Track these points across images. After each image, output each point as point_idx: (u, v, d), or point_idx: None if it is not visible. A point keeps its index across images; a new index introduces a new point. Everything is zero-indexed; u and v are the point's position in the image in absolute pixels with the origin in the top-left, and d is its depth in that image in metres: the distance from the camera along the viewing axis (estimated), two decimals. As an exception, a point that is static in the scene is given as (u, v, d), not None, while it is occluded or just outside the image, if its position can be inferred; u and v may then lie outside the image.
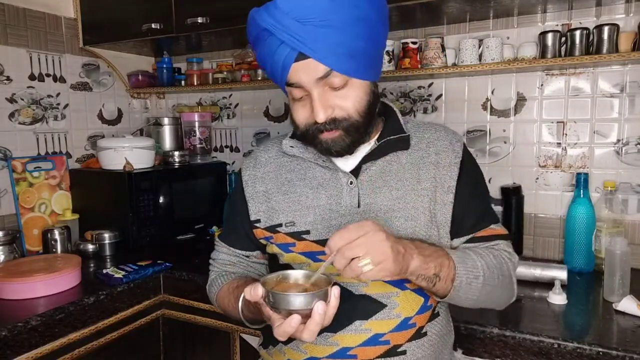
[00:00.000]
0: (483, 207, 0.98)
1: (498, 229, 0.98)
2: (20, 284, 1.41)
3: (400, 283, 0.89)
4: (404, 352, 0.88)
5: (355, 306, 0.88)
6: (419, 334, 0.90)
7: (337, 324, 0.84)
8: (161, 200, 1.94)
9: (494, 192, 1.79)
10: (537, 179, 1.74)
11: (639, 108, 1.58)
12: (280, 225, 0.96)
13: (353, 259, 0.72)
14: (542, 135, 1.72)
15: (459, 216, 0.93)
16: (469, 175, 0.95)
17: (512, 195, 1.70)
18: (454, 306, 0.98)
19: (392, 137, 0.94)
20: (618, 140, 1.61)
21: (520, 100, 1.74)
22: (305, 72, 0.82)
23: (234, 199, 1.06)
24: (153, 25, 1.87)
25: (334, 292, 0.75)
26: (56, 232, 1.81)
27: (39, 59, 1.94)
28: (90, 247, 1.84)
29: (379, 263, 0.72)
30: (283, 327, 0.74)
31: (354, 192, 0.92)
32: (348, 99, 0.86)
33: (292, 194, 0.96)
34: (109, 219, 1.89)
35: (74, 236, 1.90)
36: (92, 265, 1.74)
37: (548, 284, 1.40)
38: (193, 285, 1.62)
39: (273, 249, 0.98)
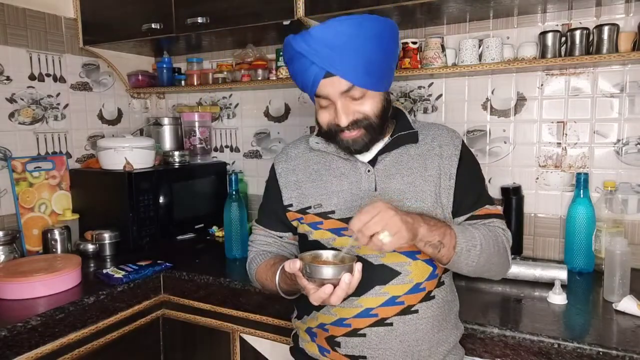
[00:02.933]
0: (478, 191, 1.15)
1: (493, 208, 1.14)
2: (20, 284, 1.41)
3: (411, 254, 1.05)
4: (416, 311, 1.05)
5: (375, 274, 1.04)
6: (428, 297, 1.06)
7: (361, 289, 1.00)
8: (161, 200, 1.94)
9: (494, 192, 1.79)
10: (537, 179, 1.74)
11: (639, 108, 1.58)
12: (309, 207, 1.13)
13: (373, 235, 0.88)
14: (542, 135, 1.72)
15: (459, 198, 1.10)
16: (467, 164, 1.13)
17: (512, 195, 1.70)
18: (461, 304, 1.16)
19: (403, 133, 1.12)
20: (618, 140, 1.61)
21: (520, 100, 1.74)
22: (332, 87, 1.01)
23: (269, 188, 1.24)
24: (153, 25, 1.88)
25: (358, 267, 0.92)
26: (56, 232, 1.81)
27: (39, 59, 1.94)
28: (90, 247, 1.84)
29: (395, 233, 0.88)
30: (318, 294, 0.91)
31: (371, 178, 1.10)
32: (366, 105, 1.04)
33: (319, 181, 1.14)
34: (109, 219, 1.89)
35: (74, 236, 1.90)
36: (92, 265, 1.74)
37: (548, 284, 1.40)
38: (193, 285, 1.62)
39: (304, 227, 1.14)
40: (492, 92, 1.78)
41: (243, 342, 1.57)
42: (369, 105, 1.04)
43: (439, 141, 1.13)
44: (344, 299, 0.94)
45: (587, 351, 1.08)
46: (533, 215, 1.75)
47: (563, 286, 1.36)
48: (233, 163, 2.35)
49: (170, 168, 2.04)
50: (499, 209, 1.16)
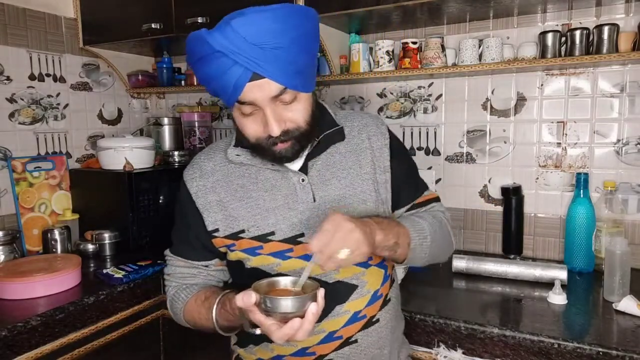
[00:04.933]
0: (415, 179, 1.11)
1: (430, 193, 1.13)
2: (20, 284, 1.41)
3: (364, 263, 0.98)
4: (377, 321, 1.01)
5: (332, 293, 0.94)
6: (386, 301, 1.03)
7: (321, 313, 0.90)
8: (161, 200, 1.94)
9: (494, 192, 1.79)
10: (537, 179, 1.74)
11: (639, 108, 1.58)
12: (242, 231, 0.99)
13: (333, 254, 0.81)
14: (542, 135, 1.72)
15: (397, 190, 1.06)
16: (398, 153, 1.07)
17: (512, 195, 1.70)
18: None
19: (328, 132, 1.02)
20: (618, 140, 1.61)
21: (520, 100, 1.74)
22: (260, 91, 0.86)
23: (184, 212, 1.06)
24: (153, 25, 1.88)
25: (320, 293, 0.81)
26: (56, 232, 1.81)
27: (39, 59, 1.94)
28: (90, 247, 1.84)
29: (355, 250, 0.81)
30: (284, 331, 0.78)
31: (307, 188, 0.99)
32: (297, 111, 0.92)
33: (248, 199, 1.00)
34: (109, 219, 1.89)
35: (74, 236, 1.90)
36: (92, 265, 1.74)
37: (548, 284, 1.40)
38: (193, 285, 1.62)
39: (237, 255, 1.00)
40: (492, 92, 1.78)
41: (243, 342, 1.56)
42: (300, 110, 0.92)
43: (366, 132, 1.05)
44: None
45: (587, 351, 1.08)
46: (533, 215, 1.75)
47: (563, 286, 1.36)
48: (233, 163, 2.34)
49: (170, 168, 2.04)
50: (434, 193, 1.15)
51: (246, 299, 0.78)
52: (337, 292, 0.97)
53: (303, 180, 0.99)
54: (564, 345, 1.10)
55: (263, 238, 0.97)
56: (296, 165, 1.00)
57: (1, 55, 1.81)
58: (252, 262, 0.98)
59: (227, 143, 1.06)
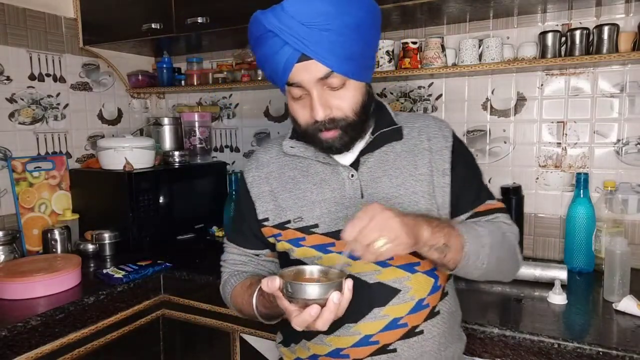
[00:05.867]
0: (477, 186, 1.04)
1: (494, 203, 1.04)
2: (20, 284, 1.41)
3: (410, 267, 0.94)
4: (421, 332, 0.93)
5: (371, 294, 0.92)
6: (433, 313, 0.95)
7: (357, 313, 0.91)
8: (161, 200, 1.94)
9: (494, 192, 1.78)
10: (537, 179, 1.74)
11: (639, 108, 1.58)
12: (288, 221, 1.00)
13: (370, 243, 0.76)
14: (542, 135, 1.72)
15: (456, 196, 0.99)
16: (461, 157, 1.01)
17: (512, 195, 1.70)
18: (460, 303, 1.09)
19: (385, 130, 0.99)
20: (618, 140, 1.61)
21: (520, 100, 1.74)
22: (307, 72, 0.87)
23: (240, 201, 1.10)
24: (153, 25, 1.87)
25: (348, 284, 0.78)
26: (56, 232, 1.81)
27: (39, 59, 1.94)
28: (90, 247, 1.84)
29: (394, 239, 0.76)
30: (302, 317, 0.77)
31: (355, 184, 0.97)
32: (345, 99, 0.90)
33: (297, 190, 1.00)
34: (109, 219, 1.89)
35: (74, 236, 1.90)
36: (92, 265, 1.74)
37: (548, 284, 1.40)
38: (193, 285, 1.62)
39: (283, 245, 1.01)
40: (492, 92, 1.78)
41: (243, 342, 1.56)
42: (348, 98, 0.90)
43: (427, 134, 1.01)
44: (335, 324, 0.82)
45: (587, 351, 1.08)
46: (533, 215, 1.75)
47: (563, 286, 1.36)
48: (233, 163, 2.35)
49: (170, 168, 2.04)
50: (500, 203, 1.05)
51: (271, 283, 0.79)
52: (377, 294, 0.93)
53: (352, 175, 0.98)
54: (564, 345, 1.10)
55: (306, 230, 0.98)
56: (347, 159, 0.99)
57: (1, 55, 1.81)
58: (296, 253, 0.99)
59: (284, 136, 1.07)
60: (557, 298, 1.31)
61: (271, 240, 1.05)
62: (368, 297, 0.92)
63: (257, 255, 1.09)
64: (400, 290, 0.93)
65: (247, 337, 1.56)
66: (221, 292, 1.12)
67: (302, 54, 0.85)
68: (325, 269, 0.85)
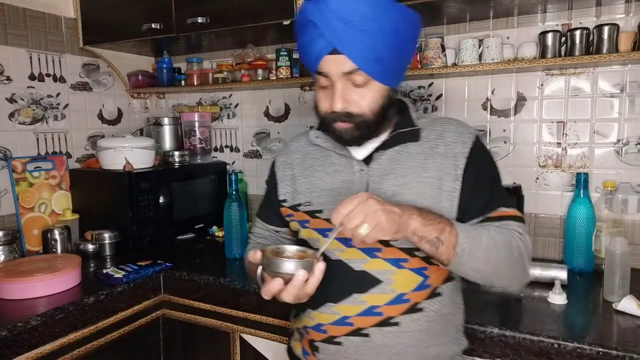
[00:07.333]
0: (491, 192, 1.02)
1: (509, 210, 1.01)
2: (20, 284, 1.41)
3: (397, 262, 0.99)
4: (397, 324, 0.98)
5: (354, 280, 0.99)
6: (414, 309, 0.99)
7: (338, 295, 0.99)
8: (161, 200, 1.94)
9: (494, 192, 1.79)
10: (537, 179, 1.74)
11: (639, 108, 1.58)
12: (300, 204, 1.09)
13: (354, 227, 0.82)
14: (542, 135, 1.72)
15: (467, 202, 1.00)
16: (477, 164, 1.01)
17: (512, 195, 1.69)
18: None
19: (403, 130, 1.04)
20: (618, 140, 1.61)
21: (520, 100, 1.74)
22: (335, 65, 0.93)
23: (269, 181, 1.21)
24: (153, 25, 1.88)
25: (319, 266, 0.87)
26: (56, 232, 1.81)
27: (39, 59, 1.94)
28: (90, 247, 1.84)
29: (375, 225, 0.82)
30: (267, 287, 0.88)
31: (364, 178, 1.03)
32: (365, 98, 0.96)
33: (312, 177, 1.10)
34: (109, 219, 1.89)
35: (74, 236, 1.90)
36: (92, 265, 1.74)
37: (548, 284, 1.40)
38: (193, 285, 1.62)
39: (294, 225, 1.12)
40: (492, 92, 1.78)
41: (243, 342, 1.57)
42: (368, 98, 0.96)
43: (444, 139, 1.02)
44: (319, 301, 0.93)
45: (587, 351, 1.08)
46: (533, 215, 1.75)
47: (563, 286, 1.36)
48: (233, 163, 2.35)
49: (170, 168, 2.04)
50: (516, 211, 1.02)
51: (254, 255, 0.91)
52: (360, 281, 0.99)
53: (362, 170, 1.04)
54: (564, 345, 1.10)
55: (312, 214, 1.06)
56: (362, 154, 1.05)
57: (1, 55, 1.81)
58: (302, 233, 1.09)
59: (314, 126, 1.15)
60: (557, 298, 1.31)
61: (287, 219, 1.14)
62: (350, 282, 0.99)
63: (277, 231, 1.20)
64: (382, 282, 0.98)
65: (247, 337, 1.56)
66: (244, 261, 1.21)
67: (334, 48, 0.91)
68: (304, 250, 0.95)
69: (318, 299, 0.94)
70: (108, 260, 1.80)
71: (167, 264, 1.69)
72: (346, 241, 0.98)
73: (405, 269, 0.98)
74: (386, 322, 0.98)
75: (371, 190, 1.01)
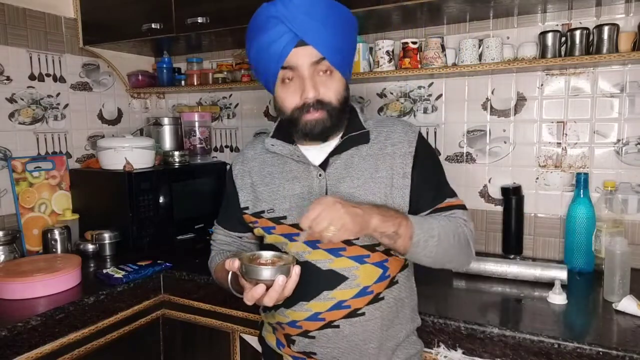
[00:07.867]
0: (437, 186, 1.12)
1: (453, 200, 1.12)
2: (20, 284, 1.41)
3: (360, 259, 1.06)
4: (362, 314, 1.06)
5: (322, 279, 1.06)
6: (377, 299, 1.07)
7: (310, 294, 1.05)
8: (161, 200, 1.94)
9: (494, 192, 1.79)
10: (537, 179, 1.74)
11: (639, 108, 1.58)
12: (263, 211, 1.13)
13: (322, 230, 0.89)
14: (542, 135, 1.72)
15: (417, 195, 1.09)
16: (423, 161, 1.10)
17: (512, 195, 1.70)
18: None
19: (353, 134, 1.10)
20: (618, 140, 1.61)
21: (520, 100, 1.74)
22: (303, 56, 1.00)
23: (228, 189, 1.24)
24: (153, 25, 1.88)
25: (296, 270, 0.93)
26: (56, 232, 1.81)
27: (39, 59, 1.94)
28: (90, 247, 1.84)
29: (341, 227, 0.89)
30: (250, 293, 0.92)
31: (322, 182, 1.09)
32: (331, 87, 1.04)
33: (272, 185, 1.14)
34: (109, 219, 1.89)
35: (74, 236, 1.90)
36: (92, 265, 1.74)
37: (548, 284, 1.40)
38: (193, 285, 1.62)
39: (259, 231, 1.15)
40: (492, 92, 1.78)
41: (243, 342, 1.57)
42: (334, 88, 1.04)
43: (391, 139, 1.11)
44: (292, 300, 0.98)
45: (587, 351, 1.08)
46: (533, 215, 1.75)
47: (563, 286, 1.36)
48: (233, 163, 2.35)
49: (170, 168, 2.04)
50: (460, 200, 1.14)
51: (232, 263, 0.95)
52: (328, 279, 1.06)
53: (320, 175, 1.09)
54: (564, 345, 1.10)
55: (277, 220, 1.11)
56: (318, 160, 1.11)
57: (1, 55, 1.81)
58: (268, 239, 1.13)
59: (268, 134, 1.19)
60: (557, 298, 1.31)
61: (251, 225, 1.18)
62: (320, 281, 1.06)
63: (240, 237, 1.24)
64: (348, 278, 1.05)
65: (247, 337, 1.56)
66: (209, 267, 1.28)
67: (300, 40, 0.98)
68: (279, 255, 0.99)
69: (292, 299, 0.99)
70: (108, 260, 1.80)
71: (167, 264, 1.69)
72: (312, 243, 1.04)
73: (367, 264, 1.06)
74: (353, 314, 1.06)
75: (330, 193, 1.07)
